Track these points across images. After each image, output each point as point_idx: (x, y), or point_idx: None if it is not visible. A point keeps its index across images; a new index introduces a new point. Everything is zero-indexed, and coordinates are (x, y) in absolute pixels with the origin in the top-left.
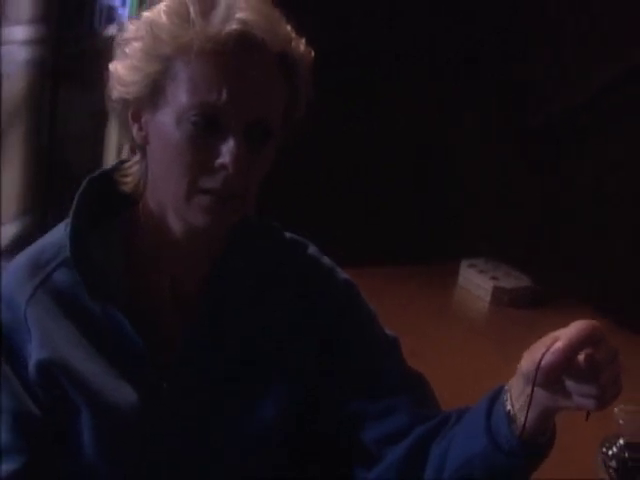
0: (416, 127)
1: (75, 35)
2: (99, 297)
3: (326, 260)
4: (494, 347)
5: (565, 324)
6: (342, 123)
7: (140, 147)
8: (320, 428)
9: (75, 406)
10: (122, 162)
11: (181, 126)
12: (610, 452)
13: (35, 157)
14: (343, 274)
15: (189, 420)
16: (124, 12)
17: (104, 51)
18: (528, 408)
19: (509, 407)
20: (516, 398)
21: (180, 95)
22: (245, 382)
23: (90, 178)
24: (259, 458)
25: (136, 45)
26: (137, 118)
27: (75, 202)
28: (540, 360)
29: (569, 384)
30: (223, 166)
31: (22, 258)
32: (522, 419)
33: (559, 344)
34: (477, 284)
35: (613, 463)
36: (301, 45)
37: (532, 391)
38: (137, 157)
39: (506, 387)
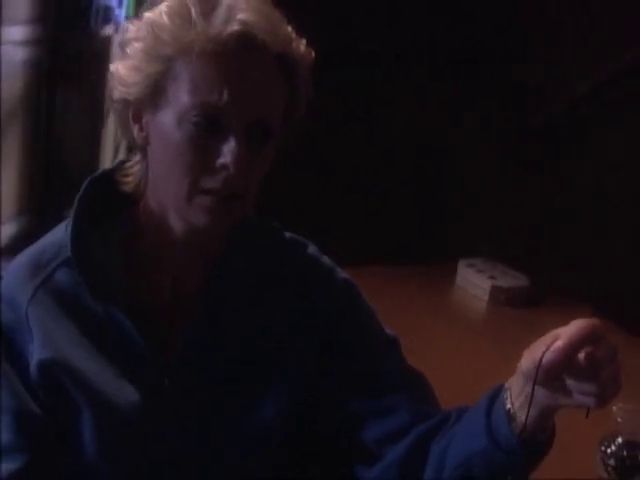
0: (416, 127)
1: (72, 36)
2: (100, 297)
3: (326, 260)
4: (492, 346)
5: (563, 323)
6: (342, 123)
7: (141, 147)
8: (320, 428)
9: (76, 405)
10: (123, 162)
11: (182, 126)
12: (609, 450)
13: (32, 157)
14: (343, 274)
15: (190, 420)
16: (121, 12)
17: (101, 51)
18: (529, 406)
19: (509, 405)
20: (516, 397)
21: (181, 95)
22: (245, 382)
23: (91, 178)
24: (259, 458)
25: (137, 46)
26: (138, 118)
27: (76, 202)
28: (541, 358)
29: (569, 382)
30: (224, 166)
31: (23, 258)
32: (522, 417)
33: (559, 342)
34: (475, 283)
35: (612, 461)
36: (301, 46)
37: (533, 389)
38: (138, 157)
39: (506, 386)
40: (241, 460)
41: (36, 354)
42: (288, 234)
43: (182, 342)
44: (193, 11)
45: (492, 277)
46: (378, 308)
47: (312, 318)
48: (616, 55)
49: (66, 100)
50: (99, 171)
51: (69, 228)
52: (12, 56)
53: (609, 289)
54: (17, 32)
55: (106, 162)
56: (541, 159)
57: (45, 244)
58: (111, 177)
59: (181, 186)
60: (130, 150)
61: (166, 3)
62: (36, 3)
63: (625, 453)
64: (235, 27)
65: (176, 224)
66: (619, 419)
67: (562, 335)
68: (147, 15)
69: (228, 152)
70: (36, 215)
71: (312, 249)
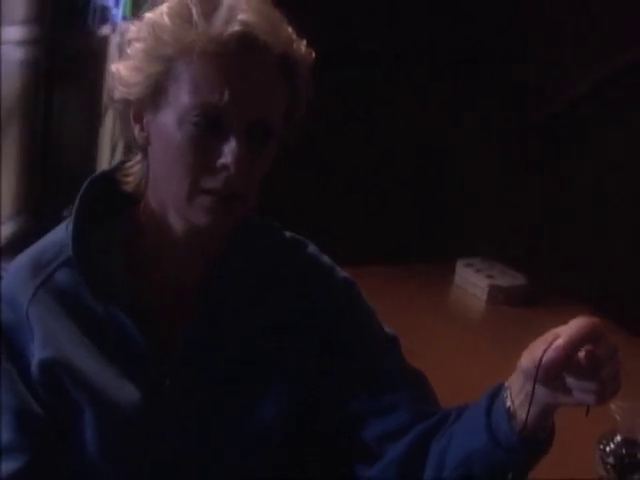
0: (416, 127)
1: (69, 35)
2: (101, 296)
3: (326, 259)
4: (490, 345)
5: (561, 322)
6: (342, 123)
7: (141, 147)
8: (320, 428)
9: (78, 405)
10: (123, 162)
11: (183, 127)
12: (607, 448)
13: (30, 157)
14: (343, 273)
15: (190, 419)
16: (117, 12)
17: (98, 51)
18: (529, 405)
19: (509, 404)
20: (516, 395)
21: (182, 96)
22: (245, 382)
23: (92, 178)
24: (259, 458)
25: (138, 46)
26: (139, 119)
27: (77, 202)
28: (541, 357)
29: (569, 380)
30: (225, 166)
31: (24, 258)
32: (522, 416)
33: (560, 341)
34: (473, 283)
35: (610, 459)
36: (302, 46)
37: (533, 388)
38: (138, 157)
39: (506, 384)
40: (241, 460)
41: (37, 353)
42: (288, 234)
43: (182, 342)
44: (194, 12)
45: (490, 276)
46: (377, 308)
47: (312, 317)
48: (616, 55)
49: (63, 100)
50: (100, 171)
51: (70, 228)
52: (10, 56)
53: (609, 289)
54: (14, 32)
55: (103, 162)
56: (541, 159)
57: (46, 244)
58: (112, 177)
59: (182, 186)
60: (128, 150)
61: (167, 4)
62: (33, 3)
63: (624, 451)
64: (236, 28)
65: (177, 224)
66: (618, 417)
67: (562, 333)
68: (148, 16)
69: (229, 152)
70: (33, 215)
71: (312, 248)
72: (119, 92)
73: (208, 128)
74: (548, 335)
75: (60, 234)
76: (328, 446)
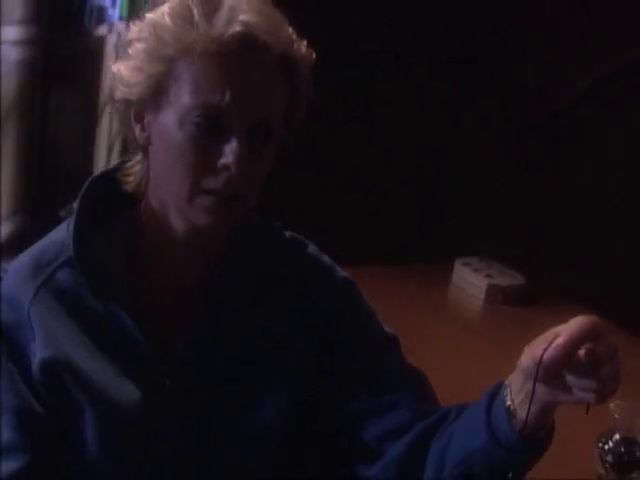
0: (416, 127)
1: (66, 36)
2: (102, 296)
3: (325, 259)
4: (489, 344)
5: (559, 321)
6: (342, 123)
7: (142, 147)
8: (320, 428)
9: (78, 404)
10: (124, 162)
11: (184, 127)
12: (606, 447)
13: (26, 157)
14: (343, 272)
15: (190, 419)
16: (114, 13)
17: (95, 52)
18: (530, 403)
19: (509, 402)
20: (516, 394)
21: (183, 96)
22: (245, 382)
23: (93, 178)
24: (259, 458)
25: (139, 46)
26: (139, 119)
27: (78, 202)
28: (542, 355)
29: (569, 379)
30: (226, 167)
31: (24, 258)
32: (522, 414)
33: (560, 339)
34: (471, 282)
35: (609, 458)
36: (302, 47)
37: (534, 386)
38: (139, 157)
39: (506, 383)
40: (241, 460)
41: (38, 353)
42: (288, 233)
43: (182, 342)
44: (195, 12)
45: (489, 276)
46: (375, 307)
47: (312, 317)
48: (616, 54)
49: (60, 100)
50: (100, 171)
51: (71, 228)
52: (6, 56)
53: (609, 289)
54: (11, 32)
55: (100, 162)
56: (540, 159)
57: (46, 244)
58: (112, 177)
59: (183, 186)
60: (124, 150)
61: (168, 4)
62: (30, 3)
63: (622, 449)
64: (237, 28)
65: (177, 224)
66: (616, 416)
67: (563, 332)
68: (149, 16)
69: (230, 152)
70: (30, 215)
71: (312, 248)
72: (120, 92)
73: (209, 128)
74: (548, 334)
75: (61, 234)
76: (328, 446)
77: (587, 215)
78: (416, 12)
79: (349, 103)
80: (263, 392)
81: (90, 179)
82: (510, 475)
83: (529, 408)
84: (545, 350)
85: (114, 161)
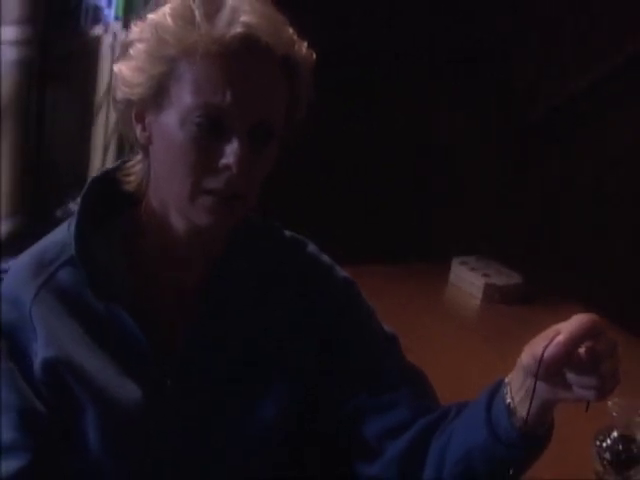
0: (416, 127)
1: (61, 35)
2: (103, 296)
3: (325, 258)
4: (486, 343)
5: (556, 320)
6: (342, 123)
7: (143, 147)
8: (320, 427)
9: (80, 403)
10: (124, 162)
11: (185, 127)
12: (604, 444)
13: (22, 157)
14: (342, 272)
15: (191, 418)
16: (110, 12)
17: (90, 51)
18: (531, 401)
19: (509, 400)
20: (516, 391)
21: (184, 96)
22: (246, 381)
23: (94, 178)
24: (260, 457)
25: (140, 47)
26: (141, 119)
27: (80, 202)
28: (542, 353)
29: (570, 376)
30: (227, 167)
31: (25, 257)
32: (522, 412)
33: (561, 337)
34: (469, 281)
35: (607, 455)
36: (303, 48)
37: (535, 384)
38: (139, 157)
39: (506, 380)
40: (242, 459)
41: (40, 352)
42: (288, 233)
43: (183, 341)
44: (197, 13)
45: (486, 275)
46: (373, 306)
47: (312, 316)
48: (615, 53)
49: (56, 100)
50: (101, 171)
51: (72, 227)
52: (3, 56)
53: (608, 289)
54: (7, 32)
55: (96, 162)
56: (540, 158)
57: (47, 244)
58: (113, 177)
59: (184, 186)
60: (120, 149)
61: (169, 5)
62: (26, 3)
63: (620, 447)
64: (239, 29)
65: (178, 224)
66: (614, 414)
67: (563, 330)
68: (150, 16)
69: (231, 153)
70: (27, 215)
71: (312, 248)
72: (121, 92)
73: (210, 129)
74: (549, 331)
75: (61, 234)
76: (328, 445)
77: (585, 214)
78: (416, 12)
79: (349, 103)
80: (264, 391)
81: (92, 179)
82: (511, 472)
83: (530, 405)
84: (546, 348)
85: (110, 160)
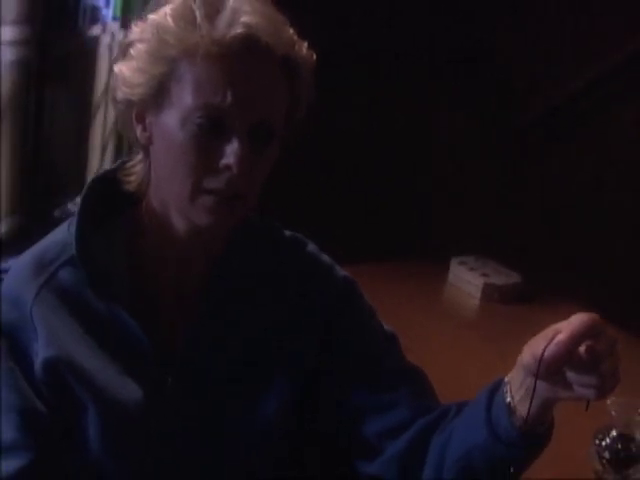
0: (416, 127)
1: (60, 35)
2: (104, 295)
3: (325, 257)
4: (485, 343)
5: (555, 320)
6: (342, 123)
7: (143, 147)
8: (320, 426)
9: (81, 402)
10: (125, 162)
11: (186, 127)
12: (603, 443)
13: (20, 157)
14: (342, 271)
15: (192, 417)
16: (108, 13)
17: (89, 51)
18: (531, 400)
19: (509, 399)
20: (516, 390)
21: (185, 97)
22: (246, 381)
23: (94, 178)
24: (260, 456)
25: (141, 47)
26: (141, 119)
27: (81, 202)
28: (543, 352)
29: (570, 375)
30: (227, 167)
31: (26, 257)
32: (522, 410)
33: (561, 336)
34: (467, 281)
35: (606, 454)
36: (303, 48)
37: (535, 383)
38: (140, 157)
39: (506, 379)
40: (242, 458)
41: (41, 352)
42: (288, 233)
43: (184, 341)
44: (198, 14)
45: (485, 275)
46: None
47: (312, 316)
48: (615, 53)
49: (54, 100)
50: (102, 171)
51: (72, 228)
52: (1, 56)
53: (606, 288)
54: (5, 32)
55: (94, 161)
56: (540, 158)
57: (48, 244)
58: (113, 177)
59: (184, 186)
60: (118, 149)
61: (170, 6)
62: (24, 3)
63: (619, 446)
64: (239, 30)
65: (178, 223)
66: (613, 413)
67: (564, 329)
68: (151, 17)
69: (231, 153)
70: (25, 215)
71: (311, 247)
72: (122, 92)
73: (211, 129)
74: (549, 331)
75: (62, 234)
76: (328, 445)
77: (585, 214)
78: (416, 12)
79: (349, 103)
80: (264, 391)
81: (92, 179)
82: (511, 470)
83: (530, 404)
84: (546, 347)
85: (108, 160)
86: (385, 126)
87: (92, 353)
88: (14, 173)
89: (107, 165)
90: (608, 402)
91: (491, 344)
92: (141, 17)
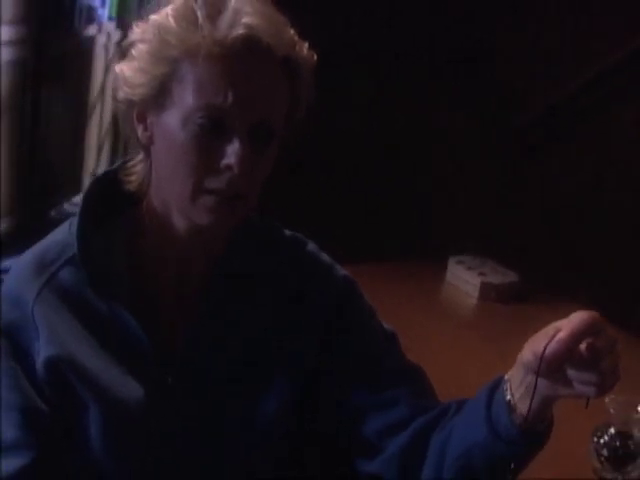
0: (416, 127)
1: (56, 36)
2: (104, 295)
3: (325, 257)
4: (482, 342)
5: (552, 319)
6: (342, 123)
7: (144, 147)
8: (320, 426)
9: (82, 402)
10: (125, 162)
11: (187, 127)
12: (602, 441)
13: (16, 157)
14: (342, 271)
15: (192, 417)
16: (104, 13)
17: (84, 52)
18: (532, 397)
19: (509, 397)
20: (516, 388)
21: (186, 97)
22: (247, 380)
23: (95, 178)
24: (261, 456)
25: (143, 47)
26: (142, 119)
27: (82, 201)
28: (544, 350)
29: (570, 372)
30: (228, 167)
31: (27, 257)
32: (522, 408)
33: (562, 334)
34: (465, 280)
35: (605, 451)
36: (304, 49)
37: (536, 381)
38: (141, 156)
39: (506, 377)
40: (243, 458)
41: (42, 352)
42: (288, 232)
43: (184, 341)
44: (199, 14)
45: (482, 274)
46: None
47: (312, 316)
48: (615, 52)
49: (50, 100)
50: (103, 170)
51: (73, 227)
52: None
53: (605, 287)
54: (1, 32)
55: (90, 161)
56: (540, 157)
57: (49, 243)
58: (114, 177)
59: (185, 186)
60: (114, 149)
61: (172, 6)
62: (20, 3)
63: (618, 443)
64: (241, 31)
65: (179, 223)
66: (612, 410)
67: (564, 327)
68: (153, 17)
69: (232, 153)
70: (21, 215)
71: (311, 247)
72: (123, 92)
73: (212, 129)
74: (549, 328)
75: (62, 234)
76: (328, 445)
77: (584, 213)
78: (416, 12)
79: (349, 103)
80: (264, 391)
81: (93, 178)
82: (511, 467)
83: (530, 402)
84: (547, 344)
85: (104, 160)
86: (385, 126)
87: (93, 352)
88: (10, 173)
89: (103, 165)
90: (606, 400)
91: (489, 343)
92: (142, 17)
